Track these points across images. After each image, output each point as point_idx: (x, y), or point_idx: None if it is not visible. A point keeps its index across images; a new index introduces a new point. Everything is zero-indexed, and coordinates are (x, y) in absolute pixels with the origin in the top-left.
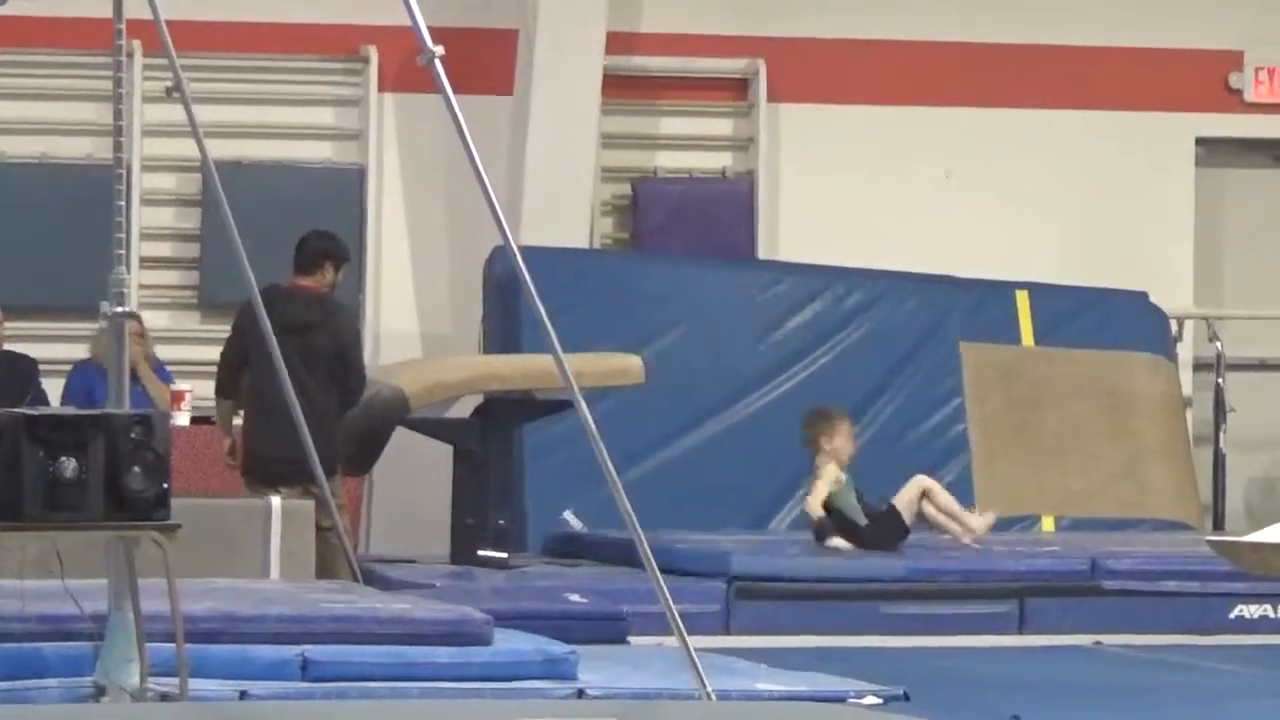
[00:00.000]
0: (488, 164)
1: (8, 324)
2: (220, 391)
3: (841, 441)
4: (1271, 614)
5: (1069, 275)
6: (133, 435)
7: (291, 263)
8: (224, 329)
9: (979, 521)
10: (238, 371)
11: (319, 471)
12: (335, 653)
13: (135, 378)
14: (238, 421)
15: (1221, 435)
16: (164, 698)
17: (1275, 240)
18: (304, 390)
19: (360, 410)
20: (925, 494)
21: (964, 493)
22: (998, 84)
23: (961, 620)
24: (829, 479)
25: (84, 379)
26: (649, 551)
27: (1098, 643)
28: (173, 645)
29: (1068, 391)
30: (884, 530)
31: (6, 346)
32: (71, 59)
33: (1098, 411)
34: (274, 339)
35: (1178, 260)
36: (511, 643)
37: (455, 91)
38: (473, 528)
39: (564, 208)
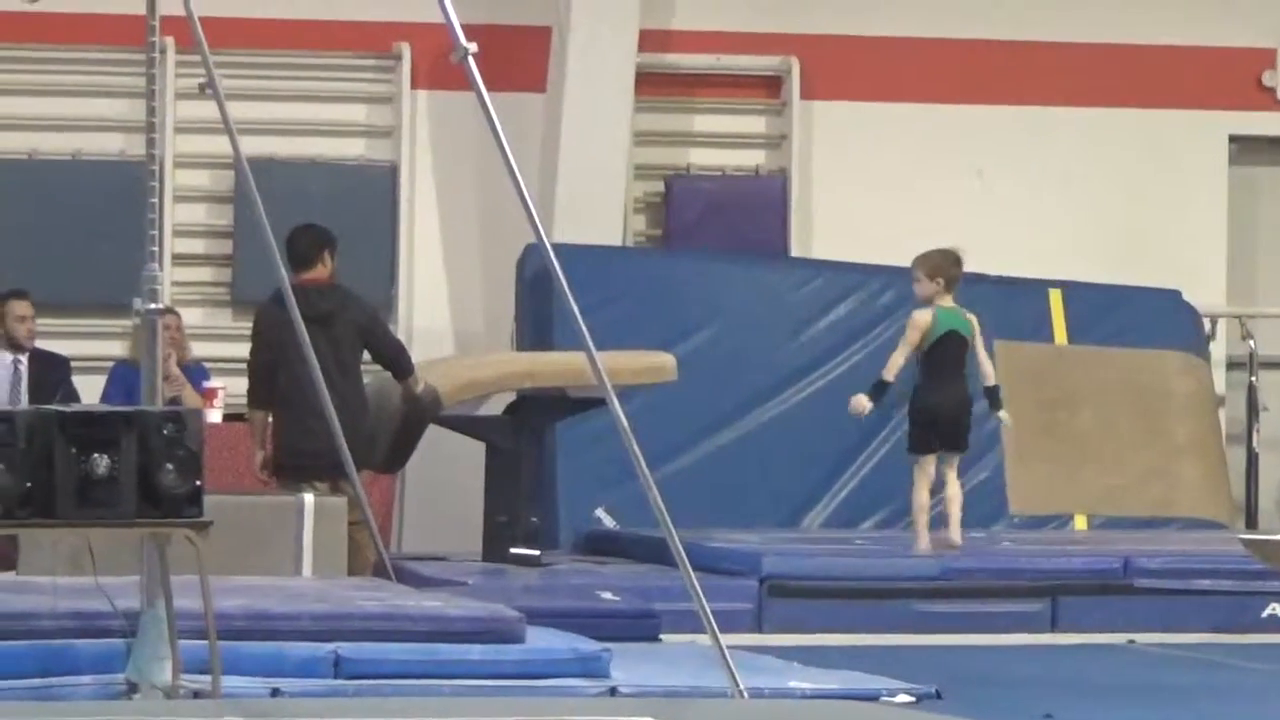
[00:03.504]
0: (520, 161)
1: (40, 321)
2: (255, 402)
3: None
4: None
5: (1101, 273)
6: (165, 432)
7: (289, 262)
8: None
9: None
10: (271, 376)
11: (349, 462)
12: (368, 650)
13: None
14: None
15: (1254, 434)
16: (196, 695)
17: None
18: (330, 382)
19: (393, 408)
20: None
21: (996, 490)
22: (1030, 82)
23: (994, 619)
24: None
25: (123, 380)
26: (681, 549)
27: (1130, 641)
28: (205, 642)
29: (1100, 390)
30: None
31: (39, 344)
32: (104, 55)
33: (1130, 410)
34: (305, 331)
35: (1210, 258)
36: (544, 640)
37: (488, 88)
38: (505, 525)
39: (597, 205)
